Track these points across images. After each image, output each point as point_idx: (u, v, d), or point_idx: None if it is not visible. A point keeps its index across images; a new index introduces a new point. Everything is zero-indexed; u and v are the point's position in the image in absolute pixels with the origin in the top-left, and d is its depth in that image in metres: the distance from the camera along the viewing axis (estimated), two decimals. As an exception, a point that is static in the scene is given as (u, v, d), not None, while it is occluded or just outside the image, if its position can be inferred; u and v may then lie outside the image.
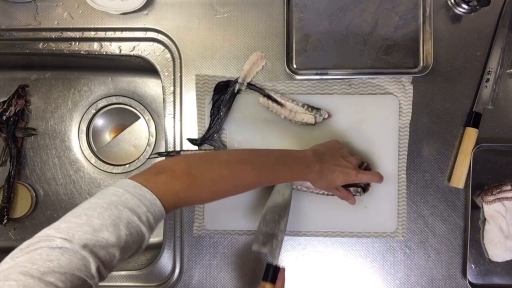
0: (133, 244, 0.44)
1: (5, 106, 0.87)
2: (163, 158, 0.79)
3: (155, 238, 0.92)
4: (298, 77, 0.75)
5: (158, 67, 0.78)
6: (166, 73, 0.78)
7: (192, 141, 0.76)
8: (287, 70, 0.74)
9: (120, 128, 0.96)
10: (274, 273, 0.64)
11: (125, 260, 0.45)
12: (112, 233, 0.42)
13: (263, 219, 0.68)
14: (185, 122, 0.77)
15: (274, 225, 0.67)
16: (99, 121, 0.95)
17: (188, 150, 0.76)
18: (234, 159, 0.56)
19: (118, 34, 0.78)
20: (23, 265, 0.37)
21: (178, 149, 0.77)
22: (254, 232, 0.74)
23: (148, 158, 0.92)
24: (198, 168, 0.52)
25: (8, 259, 0.39)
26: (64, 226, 0.41)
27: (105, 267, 0.42)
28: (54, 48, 0.80)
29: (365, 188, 0.71)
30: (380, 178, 0.68)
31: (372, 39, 0.75)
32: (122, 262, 0.44)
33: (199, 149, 0.76)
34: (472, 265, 0.76)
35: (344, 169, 0.65)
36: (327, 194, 0.72)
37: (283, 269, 0.65)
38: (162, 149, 0.93)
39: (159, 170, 0.50)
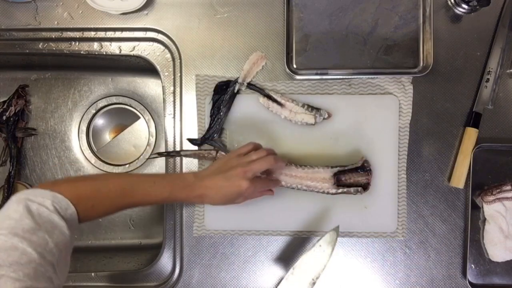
0: (54, 229, 0.49)
1: (5, 106, 0.87)
2: (163, 158, 0.79)
3: (155, 238, 0.92)
4: (298, 77, 0.75)
5: (158, 67, 0.78)
6: (166, 73, 0.78)
7: (192, 141, 0.76)
8: (287, 70, 0.74)
9: (120, 128, 0.96)
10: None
11: (61, 248, 0.48)
12: (31, 220, 0.47)
13: (298, 267, 0.64)
14: (185, 122, 0.77)
15: (307, 278, 0.64)
16: (99, 121, 0.95)
17: (188, 150, 0.76)
18: (102, 177, 0.62)
19: (118, 34, 0.78)
20: None
21: (178, 149, 0.77)
22: (259, 229, 0.74)
23: (148, 158, 0.92)
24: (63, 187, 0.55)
25: None
26: None
27: (44, 249, 0.46)
28: (54, 48, 0.80)
29: (365, 187, 0.71)
30: (268, 185, 0.69)
31: (372, 39, 0.75)
32: (59, 251, 0.48)
33: (199, 149, 0.76)
34: (472, 265, 0.76)
35: (231, 184, 0.62)
36: (328, 193, 0.72)
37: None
38: (162, 149, 0.93)
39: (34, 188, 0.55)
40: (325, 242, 0.65)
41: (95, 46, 0.79)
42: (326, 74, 0.75)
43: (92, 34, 0.79)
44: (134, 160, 0.93)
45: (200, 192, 0.63)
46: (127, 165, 0.93)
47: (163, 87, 0.78)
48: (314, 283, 0.63)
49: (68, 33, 0.79)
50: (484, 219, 0.74)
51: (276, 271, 0.75)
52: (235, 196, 0.63)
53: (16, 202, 0.48)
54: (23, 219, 0.46)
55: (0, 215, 0.47)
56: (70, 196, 0.52)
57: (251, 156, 0.65)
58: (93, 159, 0.93)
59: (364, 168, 0.71)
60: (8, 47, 0.80)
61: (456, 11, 0.75)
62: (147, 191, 0.60)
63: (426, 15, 0.75)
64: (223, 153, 0.74)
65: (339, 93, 0.75)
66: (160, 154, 0.78)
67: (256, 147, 0.68)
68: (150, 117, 0.94)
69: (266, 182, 0.68)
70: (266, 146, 0.74)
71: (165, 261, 0.77)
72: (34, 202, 0.49)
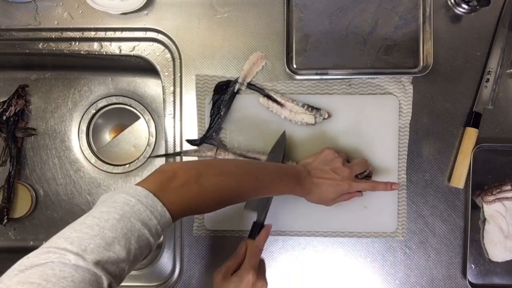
0: (140, 256, 0.44)
1: (5, 106, 0.87)
2: (163, 158, 0.79)
3: (155, 238, 0.92)
4: (298, 77, 0.75)
5: (158, 67, 0.78)
6: (166, 73, 0.78)
7: (191, 142, 0.76)
8: (287, 70, 0.74)
9: (120, 128, 0.96)
10: (259, 231, 0.65)
11: (132, 269, 0.44)
12: (123, 247, 0.41)
13: None
14: (185, 122, 0.77)
15: None
16: (99, 121, 0.95)
17: (187, 151, 0.76)
18: (240, 171, 0.56)
19: (118, 34, 0.78)
20: (36, 282, 0.36)
21: (178, 149, 0.77)
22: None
23: (148, 157, 0.92)
24: (208, 178, 0.52)
25: (16, 269, 0.37)
26: (75, 236, 0.40)
27: (116, 281, 0.41)
28: (54, 48, 0.80)
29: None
30: (373, 188, 0.68)
31: (372, 39, 0.75)
32: (127, 273, 0.44)
33: (198, 149, 0.76)
34: (472, 265, 0.76)
35: (333, 182, 0.65)
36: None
37: (268, 226, 0.65)
38: (162, 149, 0.93)
39: (171, 176, 0.49)
40: (275, 147, 0.72)
41: (95, 46, 0.79)
42: (326, 74, 0.75)
43: (92, 34, 0.79)
44: (134, 160, 0.93)
45: (309, 188, 0.64)
46: (127, 165, 0.93)
47: (163, 87, 0.78)
48: None
49: (68, 33, 0.79)
50: (484, 219, 0.74)
51: (276, 271, 0.75)
52: (334, 193, 0.65)
53: (119, 215, 0.42)
54: (114, 244, 0.41)
55: (97, 221, 0.42)
56: (180, 209, 0.47)
57: (354, 163, 0.69)
58: (93, 159, 0.93)
59: (366, 177, 0.71)
60: (8, 47, 0.80)
61: (456, 11, 0.75)
62: (277, 190, 0.60)
63: (426, 15, 0.75)
64: (223, 149, 0.74)
65: (339, 93, 0.75)
66: (159, 157, 0.77)
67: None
68: (150, 117, 0.94)
69: (365, 185, 0.68)
70: (266, 146, 0.74)
71: (165, 261, 0.77)
72: (138, 221, 0.43)
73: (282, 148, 0.72)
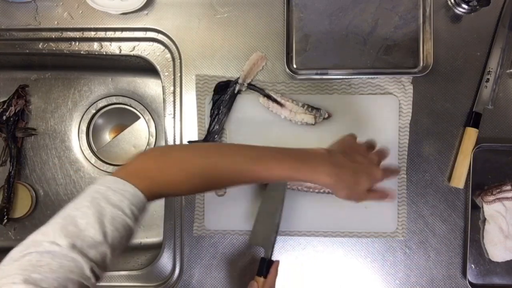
0: (121, 239, 0.44)
1: (5, 106, 0.87)
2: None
3: (155, 238, 0.92)
4: (298, 77, 0.75)
5: (158, 67, 0.78)
6: (166, 73, 0.78)
7: (192, 143, 0.76)
8: (287, 70, 0.74)
9: (120, 128, 0.96)
10: (268, 267, 0.65)
11: (117, 256, 0.44)
12: (98, 230, 0.41)
13: (259, 213, 0.69)
14: (185, 122, 0.77)
15: (269, 219, 0.68)
16: (99, 121, 0.95)
17: None
18: (209, 146, 0.54)
19: (118, 34, 0.78)
20: (13, 274, 0.36)
21: (178, 149, 0.77)
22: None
23: None
24: (171, 153, 0.51)
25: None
26: (50, 229, 0.41)
27: (99, 267, 0.41)
28: (54, 48, 0.80)
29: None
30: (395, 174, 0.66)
31: (372, 39, 0.75)
32: (116, 258, 0.44)
33: None
34: (472, 265, 0.76)
35: (366, 168, 0.55)
36: (328, 193, 0.72)
37: (277, 262, 0.65)
38: (162, 149, 0.93)
39: (138, 160, 0.50)
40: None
41: (95, 46, 0.79)
42: (326, 74, 0.75)
43: (92, 34, 0.79)
44: (134, 160, 0.93)
45: (331, 172, 0.53)
46: (127, 165, 0.93)
47: (163, 87, 0.78)
48: (279, 220, 0.67)
49: (68, 33, 0.79)
50: (484, 219, 0.74)
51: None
52: (366, 182, 0.55)
53: (90, 202, 0.43)
54: (88, 228, 0.41)
55: (69, 211, 0.43)
56: (152, 187, 0.47)
57: (373, 158, 0.58)
58: (93, 159, 0.93)
59: None
60: (8, 47, 0.80)
61: (456, 11, 0.75)
62: (265, 168, 0.52)
63: (426, 15, 0.75)
64: None
65: (339, 93, 0.75)
66: None
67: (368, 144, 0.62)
68: (150, 117, 0.94)
69: (390, 173, 0.60)
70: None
71: (165, 261, 0.77)
72: (109, 204, 0.43)
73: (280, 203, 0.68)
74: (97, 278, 0.41)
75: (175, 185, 0.50)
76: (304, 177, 0.53)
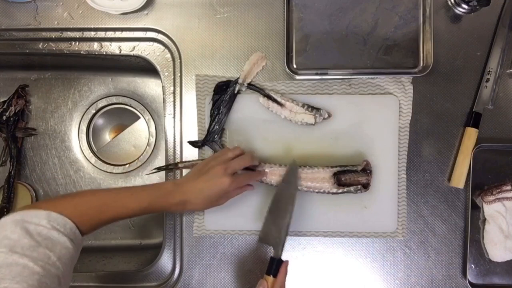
0: (55, 245, 0.49)
1: (5, 106, 0.87)
2: (163, 158, 0.79)
3: (155, 238, 0.92)
4: (298, 77, 0.75)
5: (158, 67, 0.78)
6: (166, 73, 0.78)
7: (193, 143, 0.76)
8: (287, 70, 0.74)
9: (120, 128, 0.96)
10: (277, 267, 0.64)
11: (65, 262, 0.50)
12: (29, 239, 0.48)
13: (269, 212, 0.68)
14: (185, 122, 0.77)
15: (280, 218, 0.67)
16: (99, 121, 0.95)
17: (185, 162, 0.76)
18: (81, 193, 0.62)
19: (118, 34, 0.78)
20: None
21: (178, 150, 0.77)
22: (259, 229, 0.75)
23: (147, 174, 0.92)
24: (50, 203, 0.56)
25: None
26: None
27: (46, 262, 0.47)
28: (54, 48, 0.80)
29: (365, 185, 0.71)
30: (250, 178, 0.69)
31: (372, 39, 0.75)
32: (63, 264, 0.49)
33: (196, 160, 0.76)
34: (472, 265, 0.76)
35: (209, 184, 0.63)
36: (328, 193, 0.72)
37: (286, 262, 0.65)
38: (162, 149, 0.93)
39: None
40: (287, 178, 0.70)
41: (95, 46, 0.79)
42: (326, 74, 0.75)
43: (92, 34, 0.79)
44: (134, 160, 0.93)
45: (181, 198, 0.63)
46: (127, 165, 0.93)
47: (163, 87, 0.78)
48: (289, 220, 0.67)
49: (68, 33, 0.79)
50: (484, 219, 0.74)
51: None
52: (218, 195, 0.64)
53: (13, 224, 0.48)
54: (21, 239, 0.47)
55: None
56: (60, 213, 0.52)
57: (227, 154, 0.67)
58: (93, 159, 0.93)
59: (365, 170, 0.71)
60: (8, 47, 0.80)
61: (456, 11, 0.75)
62: (126, 203, 0.60)
63: (426, 15, 0.75)
64: None
65: (339, 93, 0.75)
66: (159, 169, 0.77)
67: (231, 150, 0.69)
68: (150, 117, 0.94)
69: (247, 176, 0.69)
70: (267, 146, 0.74)
71: (165, 261, 0.77)
72: (31, 223, 0.49)
73: (295, 179, 0.71)
74: (56, 277, 0.46)
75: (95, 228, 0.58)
76: (168, 209, 0.64)
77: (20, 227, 0.48)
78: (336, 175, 0.71)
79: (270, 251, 0.75)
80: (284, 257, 0.75)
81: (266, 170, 0.72)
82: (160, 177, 0.92)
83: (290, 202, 0.68)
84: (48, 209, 0.52)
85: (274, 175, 0.72)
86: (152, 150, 0.93)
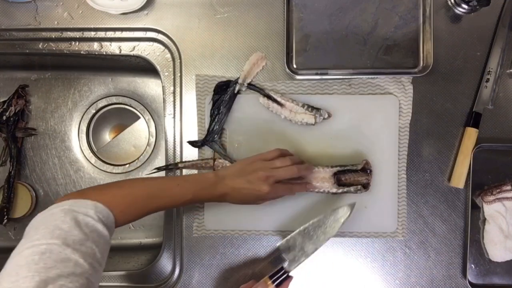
0: (99, 240, 0.51)
1: (5, 106, 0.87)
2: (163, 158, 0.79)
3: (155, 238, 0.92)
4: (298, 77, 0.75)
5: (158, 67, 0.78)
6: (166, 73, 0.78)
7: (192, 143, 0.76)
8: (287, 70, 0.74)
9: (120, 128, 0.96)
10: (282, 280, 0.65)
11: (103, 258, 0.51)
12: (79, 231, 0.49)
13: (304, 229, 0.67)
14: (185, 122, 0.77)
15: (310, 241, 0.67)
16: (99, 121, 0.95)
17: (185, 162, 0.76)
18: (129, 181, 0.64)
19: (118, 34, 0.78)
20: (25, 276, 0.41)
21: (178, 150, 0.77)
22: (259, 229, 0.74)
23: (147, 174, 0.92)
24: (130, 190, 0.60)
25: (6, 278, 0.42)
26: (40, 235, 0.47)
27: (93, 259, 0.48)
28: (54, 48, 0.80)
29: (365, 185, 0.71)
30: (291, 192, 0.68)
31: (372, 39, 0.75)
32: (103, 260, 0.51)
33: (196, 160, 0.76)
34: (472, 265, 0.76)
35: (249, 191, 0.64)
36: (328, 193, 0.72)
37: (291, 278, 0.66)
38: (162, 149, 0.93)
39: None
40: (337, 215, 0.68)
41: (95, 46, 0.79)
42: (326, 74, 0.75)
43: (92, 34, 0.79)
44: (134, 160, 0.93)
45: (222, 191, 0.64)
46: (127, 165, 0.93)
47: (163, 87, 0.78)
48: (316, 249, 0.66)
49: (68, 33, 0.79)
50: (484, 219, 0.74)
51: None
52: (254, 199, 0.65)
53: (63, 213, 0.49)
54: (72, 230, 0.48)
55: (48, 224, 0.48)
56: (106, 204, 0.54)
57: (275, 163, 0.66)
58: (93, 159, 0.93)
59: (365, 169, 0.71)
60: (8, 47, 0.80)
61: (456, 11, 0.75)
62: (172, 194, 0.62)
63: (426, 15, 0.75)
64: (221, 161, 0.74)
65: (339, 93, 0.75)
66: (159, 169, 0.78)
67: (283, 154, 0.68)
68: (150, 117, 0.94)
69: (287, 188, 0.67)
70: (267, 146, 0.74)
71: (165, 261, 0.77)
72: (80, 213, 0.50)
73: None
74: (98, 274, 0.48)
75: (133, 219, 0.59)
76: (203, 198, 0.66)
77: (70, 217, 0.49)
78: (336, 175, 0.71)
79: (271, 249, 0.75)
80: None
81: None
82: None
83: (327, 236, 0.67)
84: (96, 199, 0.53)
85: None
86: (152, 150, 0.93)
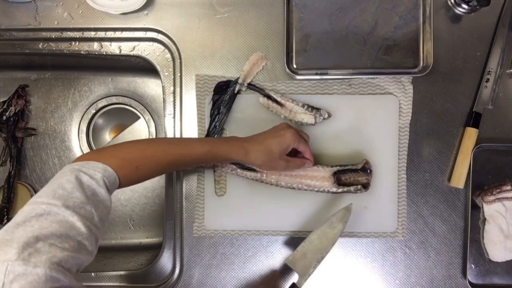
0: (98, 203, 0.52)
1: (5, 106, 0.87)
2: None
3: (155, 238, 0.92)
4: (298, 77, 0.75)
5: (158, 67, 0.78)
6: (166, 73, 0.78)
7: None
8: (287, 70, 0.74)
9: (120, 128, 0.96)
10: None
11: (101, 222, 0.52)
12: (82, 192, 0.50)
13: (309, 240, 0.68)
14: (185, 122, 0.77)
15: (316, 252, 0.67)
16: (99, 121, 0.95)
17: None
18: (151, 140, 0.69)
19: (118, 34, 0.78)
20: (19, 236, 0.43)
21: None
22: (259, 229, 0.75)
23: None
24: (123, 146, 0.61)
25: (3, 232, 0.44)
26: (43, 194, 0.49)
27: (90, 222, 0.49)
28: (54, 48, 0.80)
29: (365, 185, 0.71)
30: (306, 147, 0.68)
31: (372, 39, 0.75)
32: (101, 223, 0.52)
33: None
34: (472, 265, 0.76)
35: (274, 134, 0.64)
36: (328, 192, 0.72)
37: None
38: (162, 149, 0.93)
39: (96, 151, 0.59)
40: (337, 219, 0.68)
41: (95, 46, 0.79)
42: (326, 74, 0.75)
43: (92, 34, 0.79)
44: (134, 160, 0.93)
45: (244, 144, 0.64)
46: (127, 165, 0.93)
47: (163, 87, 0.78)
48: (322, 258, 0.67)
49: (68, 33, 0.79)
50: (484, 219, 0.74)
51: (276, 271, 0.75)
52: (279, 146, 0.64)
53: (70, 172, 0.51)
54: (74, 191, 0.49)
55: (54, 182, 0.50)
56: (116, 164, 0.55)
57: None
58: (93, 159, 0.93)
59: (365, 169, 0.71)
60: (8, 47, 0.80)
61: (456, 11, 0.75)
62: (190, 146, 0.62)
63: (426, 15, 0.75)
64: None
65: (339, 93, 0.75)
66: None
67: None
68: (150, 117, 0.94)
69: (305, 142, 0.68)
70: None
71: (165, 261, 0.77)
72: (86, 174, 0.52)
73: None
74: (91, 233, 0.49)
75: (141, 169, 0.59)
76: (229, 156, 0.63)
77: (75, 177, 0.51)
78: (336, 174, 0.71)
79: (271, 249, 0.75)
80: (284, 257, 0.75)
81: (300, 172, 0.72)
82: (161, 177, 0.92)
83: (331, 242, 0.68)
84: (107, 162, 0.54)
85: (274, 174, 0.72)
86: (152, 150, 0.93)
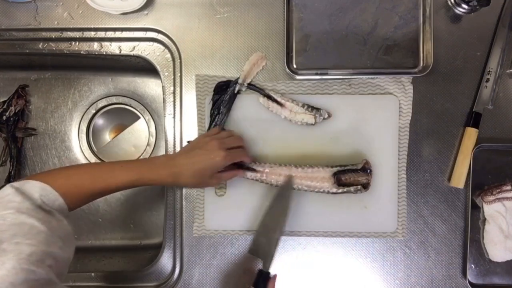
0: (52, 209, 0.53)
1: (5, 106, 0.87)
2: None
3: (155, 238, 0.92)
4: (298, 77, 0.75)
5: (158, 67, 0.78)
6: (166, 73, 0.78)
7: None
8: (287, 70, 0.74)
9: (120, 128, 0.96)
10: (265, 280, 0.65)
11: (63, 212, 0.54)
12: (29, 200, 0.51)
13: (261, 224, 0.68)
14: (185, 122, 0.77)
15: (271, 232, 0.68)
16: (99, 121, 0.95)
17: None
18: (75, 166, 0.66)
19: (118, 34, 0.78)
20: None
21: (178, 150, 0.77)
22: (253, 234, 0.75)
23: None
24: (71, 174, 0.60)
25: None
26: None
27: (50, 218, 0.50)
28: (54, 48, 0.80)
29: (365, 186, 0.71)
30: (245, 154, 0.69)
31: (372, 39, 0.75)
32: (63, 215, 0.54)
33: None
34: (472, 265, 0.76)
35: (203, 158, 0.63)
36: (328, 193, 0.72)
37: (274, 276, 0.65)
38: (162, 149, 0.93)
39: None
40: (281, 188, 0.70)
41: (95, 46, 0.79)
42: (326, 74, 0.75)
43: (92, 34, 0.79)
44: (134, 160, 0.93)
45: (173, 170, 0.63)
46: (127, 165, 0.93)
47: (163, 87, 0.78)
48: (282, 233, 0.69)
49: (68, 33, 0.79)
50: (484, 219, 0.74)
51: (277, 271, 0.75)
52: (211, 170, 0.64)
53: (13, 189, 0.51)
54: (24, 201, 0.50)
55: (0, 200, 0.51)
56: (54, 186, 0.54)
57: (222, 133, 0.69)
58: (93, 159, 0.93)
59: (365, 169, 0.71)
60: (8, 47, 0.80)
61: (456, 11, 0.75)
62: (115, 175, 0.61)
63: (426, 15, 0.75)
64: None
65: (339, 93, 0.75)
66: None
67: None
68: (150, 117, 0.94)
69: (241, 152, 0.69)
70: (267, 146, 0.74)
71: (165, 261, 0.77)
72: (25, 188, 0.52)
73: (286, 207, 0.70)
74: (62, 230, 0.51)
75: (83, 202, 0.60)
76: (153, 181, 0.63)
77: (19, 193, 0.51)
78: (336, 174, 0.71)
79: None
80: (284, 257, 0.75)
81: (266, 170, 0.71)
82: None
83: (282, 216, 0.68)
84: (45, 181, 0.54)
85: (274, 174, 0.72)
86: (152, 150, 0.93)
